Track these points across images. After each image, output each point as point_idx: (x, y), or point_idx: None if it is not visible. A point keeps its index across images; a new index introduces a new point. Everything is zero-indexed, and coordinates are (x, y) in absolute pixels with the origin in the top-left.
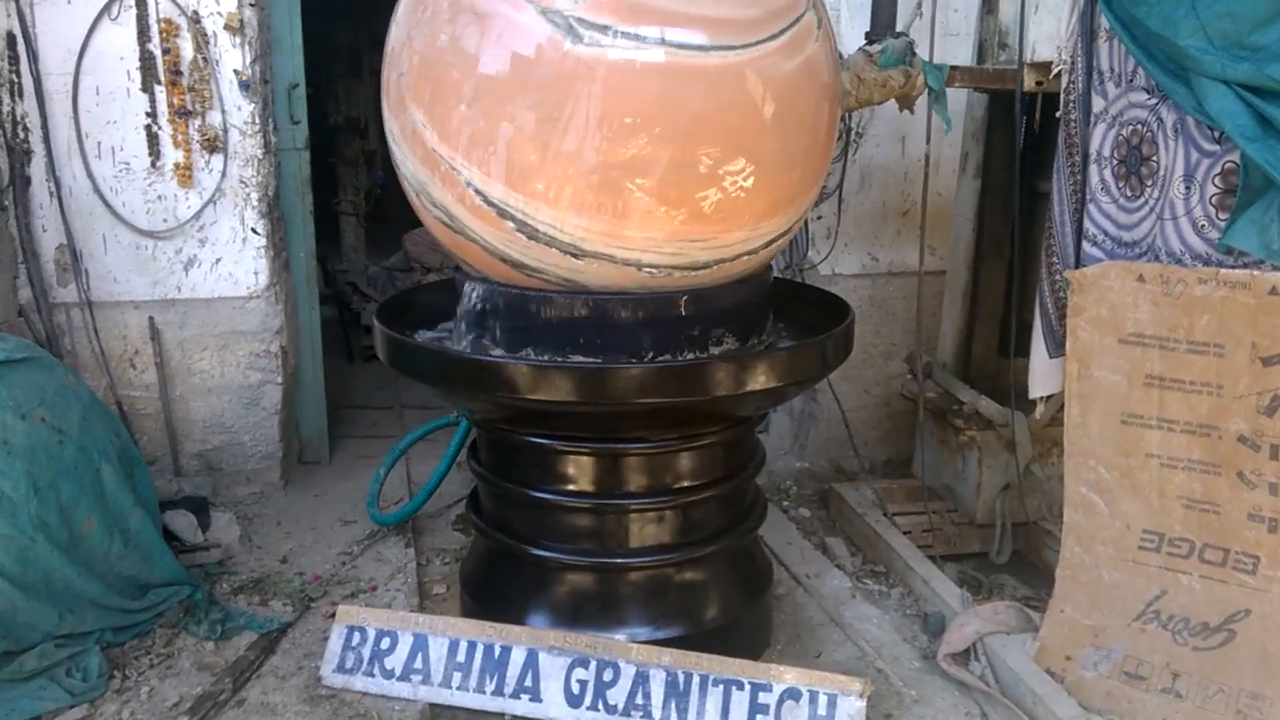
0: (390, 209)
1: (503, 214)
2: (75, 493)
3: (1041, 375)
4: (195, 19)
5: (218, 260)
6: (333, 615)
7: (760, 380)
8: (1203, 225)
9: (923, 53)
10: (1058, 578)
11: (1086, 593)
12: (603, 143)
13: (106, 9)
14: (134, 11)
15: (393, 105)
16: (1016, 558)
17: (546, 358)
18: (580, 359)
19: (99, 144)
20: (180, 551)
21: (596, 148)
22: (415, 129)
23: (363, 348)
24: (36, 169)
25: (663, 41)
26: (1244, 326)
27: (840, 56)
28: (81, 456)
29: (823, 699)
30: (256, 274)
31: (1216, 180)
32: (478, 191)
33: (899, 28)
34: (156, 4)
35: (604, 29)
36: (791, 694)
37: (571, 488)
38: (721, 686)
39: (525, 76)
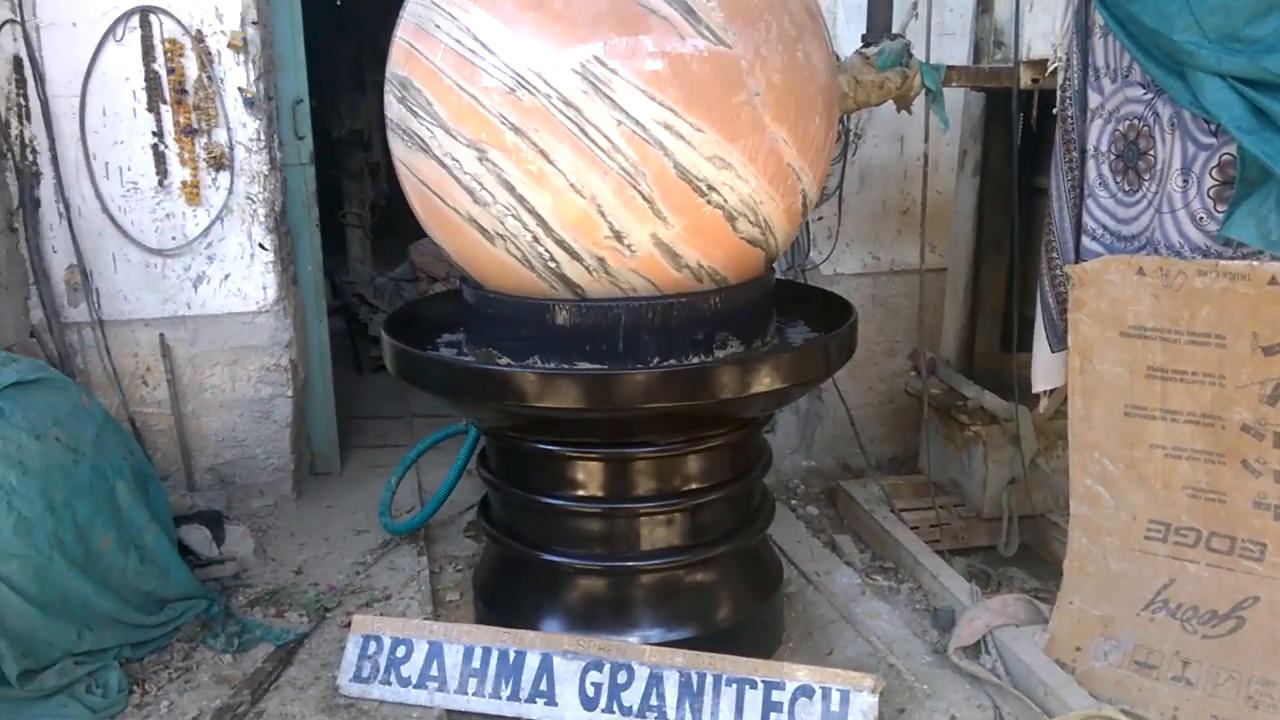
0: (395, 220)
1: None
2: (91, 511)
3: (1044, 370)
4: (199, 38)
5: (226, 276)
6: (348, 625)
7: (765, 382)
8: (1201, 218)
9: (919, 53)
10: (1066, 569)
11: (1095, 584)
12: None
13: (111, 31)
14: (138, 33)
15: None
16: (1024, 551)
17: (553, 365)
18: (587, 366)
19: (106, 164)
20: (196, 565)
21: None
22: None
23: (371, 358)
24: (46, 190)
25: None
26: (1244, 317)
27: (837, 59)
28: (96, 475)
29: (835, 695)
30: (265, 289)
31: (1214, 173)
32: None
33: (895, 29)
34: (160, 25)
35: None
36: (804, 691)
37: (581, 493)
38: (735, 686)
39: None
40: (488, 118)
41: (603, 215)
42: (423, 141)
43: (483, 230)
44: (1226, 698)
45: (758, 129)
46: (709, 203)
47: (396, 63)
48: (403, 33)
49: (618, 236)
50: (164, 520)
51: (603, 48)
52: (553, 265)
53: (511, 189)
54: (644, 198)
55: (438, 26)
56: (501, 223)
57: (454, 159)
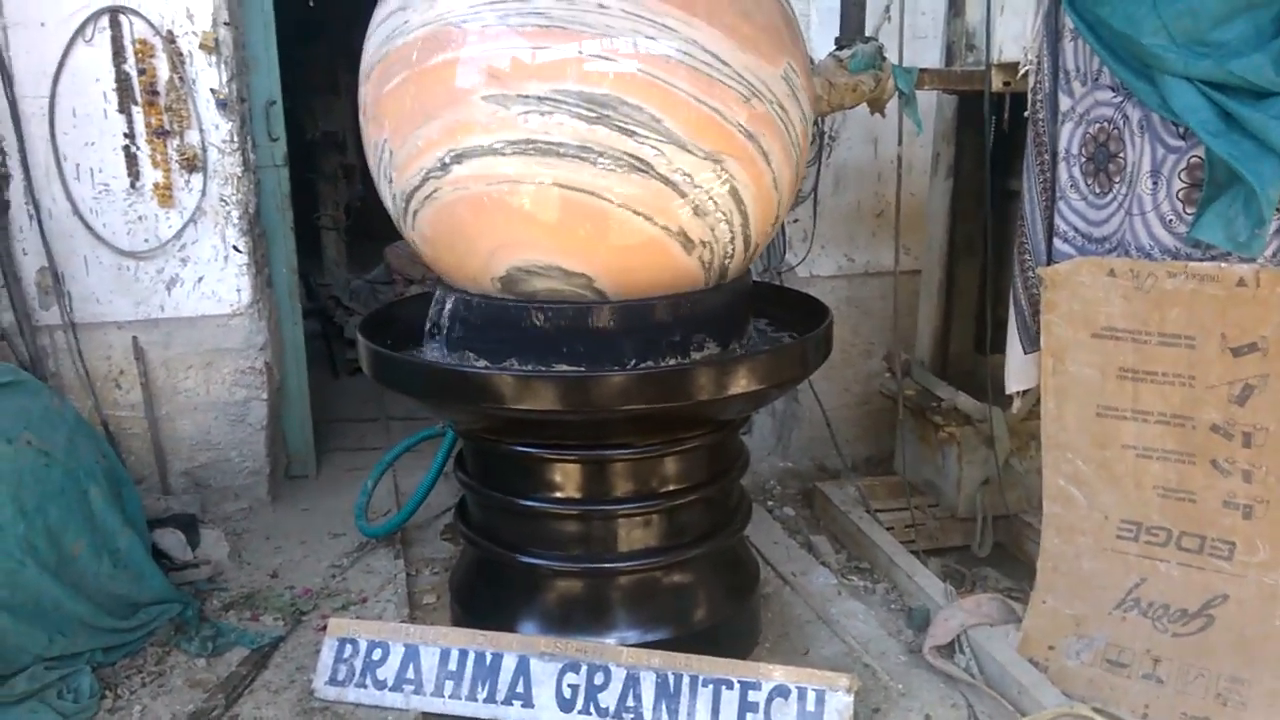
0: (371, 222)
1: None
2: (63, 515)
3: (1017, 371)
4: (170, 39)
5: (200, 279)
6: (324, 628)
7: (742, 384)
8: (1170, 220)
9: (892, 56)
10: (1039, 569)
11: (1067, 583)
12: None
13: (81, 31)
14: (108, 33)
15: None
16: (998, 550)
17: (530, 367)
18: (564, 368)
19: (77, 166)
20: (170, 569)
21: None
22: None
23: (347, 361)
24: (15, 192)
25: None
26: (1213, 318)
27: (811, 62)
28: (68, 478)
29: (811, 695)
30: (239, 291)
31: (1182, 175)
32: None
33: (868, 33)
34: (131, 25)
35: None
36: (780, 691)
37: (558, 495)
38: (711, 686)
39: None
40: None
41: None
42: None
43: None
44: (1196, 695)
45: None
46: None
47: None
48: None
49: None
50: (138, 524)
51: None
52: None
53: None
54: None
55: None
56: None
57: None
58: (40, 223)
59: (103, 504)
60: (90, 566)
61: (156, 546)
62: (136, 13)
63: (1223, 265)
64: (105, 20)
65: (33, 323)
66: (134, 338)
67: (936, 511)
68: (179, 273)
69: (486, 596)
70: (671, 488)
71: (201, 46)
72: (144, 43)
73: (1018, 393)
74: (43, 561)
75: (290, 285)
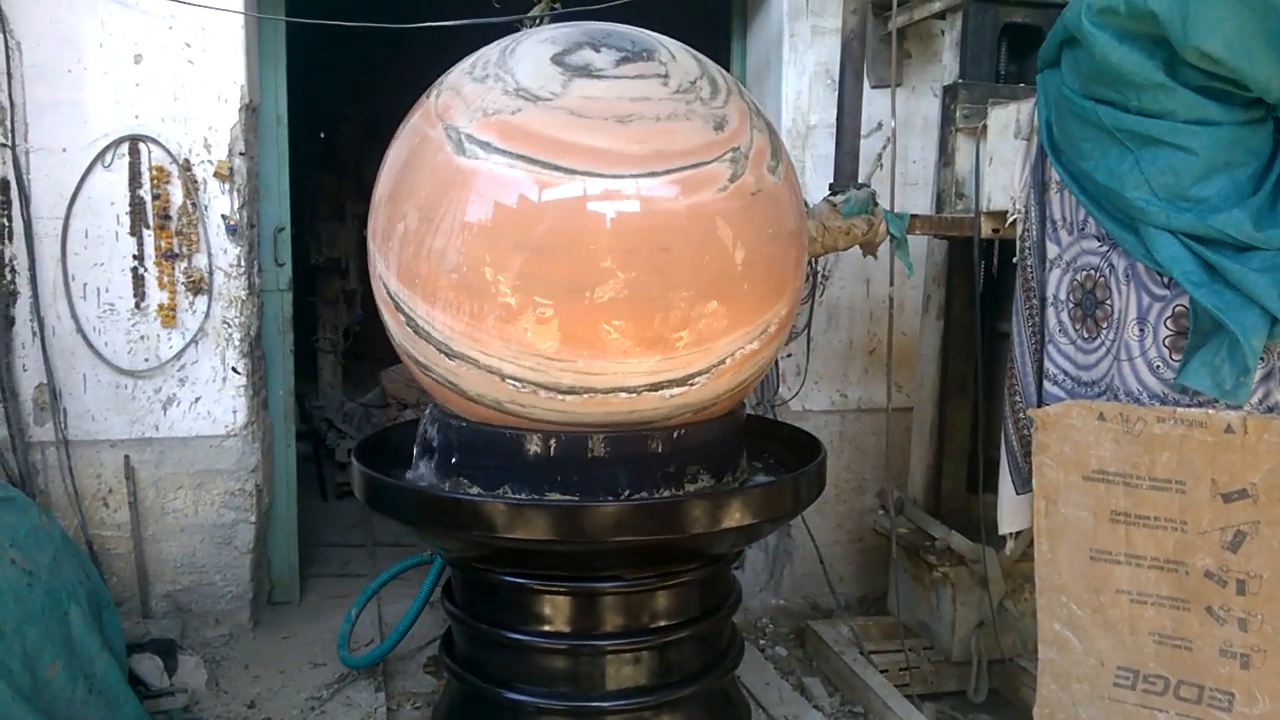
0: (367, 346)
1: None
2: (41, 637)
3: (1010, 511)
4: (186, 166)
5: (197, 399)
6: None
7: (736, 517)
8: (1158, 365)
9: (884, 202)
10: (1035, 717)
11: None
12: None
13: (101, 157)
14: (127, 160)
15: None
16: (994, 696)
17: (524, 495)
18: (557, 497)
19: (85, 285)
20: (145, 696)
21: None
22: None
23: (337, 484)
24: (21, 309)
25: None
26: (1203, 463)
27: (806, 205)
28: (50, 599)
29: None
30: (235, 412)
31: (1168, 323)
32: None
33: (860, 178)
34: (150, 153)
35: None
36: None
37: (547, 628)
38: None
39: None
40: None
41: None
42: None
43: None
44: None
45: None
46: None
47: None
48: None
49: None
50: (116, 648)
51: None
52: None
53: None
54: None
55: None
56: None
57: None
58: (43, 340)
59: (82, 626)
60: (64, 691)
61: (133, 672)
62: (156, 141)
63: (1210, 411)
64: (126, 147)
65: (26, 439)
66: (125, 456)
67: (931, 654)
68: (176, 392)
69: None
70: (662, 623)
71: (216, 174)
72: (160, 169)
73: (1011, 534)
74: (16, 685)
75: (286, 407)
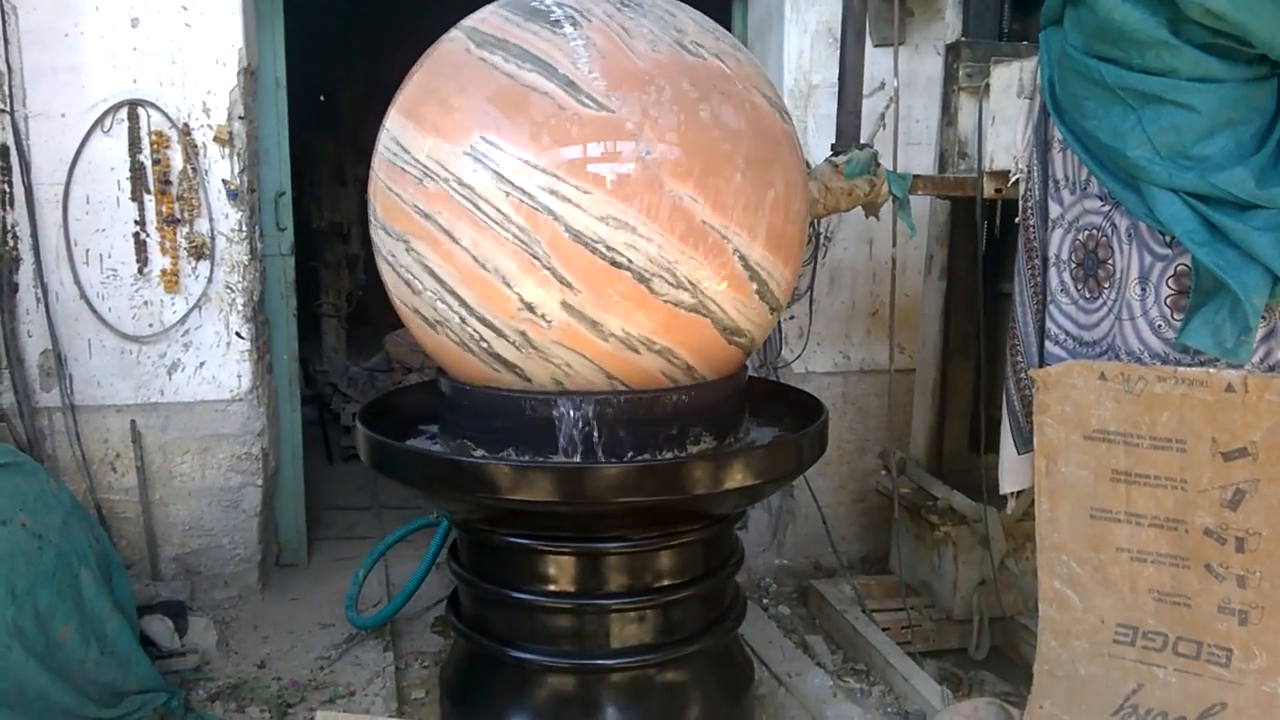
0: (371, 311)
1: None
2: (53, 599)
3: (1011, 471)
4: (186, 131)
5: (201, 364)
6: None
7: (738, 478)
8: (1159, 325)
9: (886, 162)
10: (1035, 673)
11: (1064, 688)
12: None
13: (100, 122)
14: (126, 125)
15: None
16: (995, 653)
17: (527, 458)
18: (560, 459)
19: (87, 251)
20: (157, 657)
21: None
22: None
23: (342, 448)
24: (24, 276)
25: None
26: (1203, 422)
27: (808, 166)
28: (60, 562)
29: None
30: (240, 377)
31: (1170, 282)
32: None
33: (863, 139)
34: (149, 117)
35: None
36: None
37: (552, 588)
38: None
39: None
40: (406, 210)
41: (509, 286)
42: (378, 247)
43: (425, 319)
44: None
45: (652, 187)
46: (612, 263)
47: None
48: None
49: (529, 308)
50: (127, 610)
51: (487, 128)
52: (485, 345)
53: (432, 273)
54: (542, 264)
55: (384, 148)
56: (434, 309)
57: (392, 254)
58: (47, 306)
59: (93, 588)
60: (77, 652)
61: (144, 633)
62: (155, 105)
63: (1211, 371)
64: (124, 112)
65: (33, 404)
66: (132, 421)
67: (933, 613)
68: (181, 357)
69: (477, 692)
70: (666, 583)
71: (216, 139)
72: (160, 134)
73: (1012, 493)
74: (30, 646)
75: (290, 372)
